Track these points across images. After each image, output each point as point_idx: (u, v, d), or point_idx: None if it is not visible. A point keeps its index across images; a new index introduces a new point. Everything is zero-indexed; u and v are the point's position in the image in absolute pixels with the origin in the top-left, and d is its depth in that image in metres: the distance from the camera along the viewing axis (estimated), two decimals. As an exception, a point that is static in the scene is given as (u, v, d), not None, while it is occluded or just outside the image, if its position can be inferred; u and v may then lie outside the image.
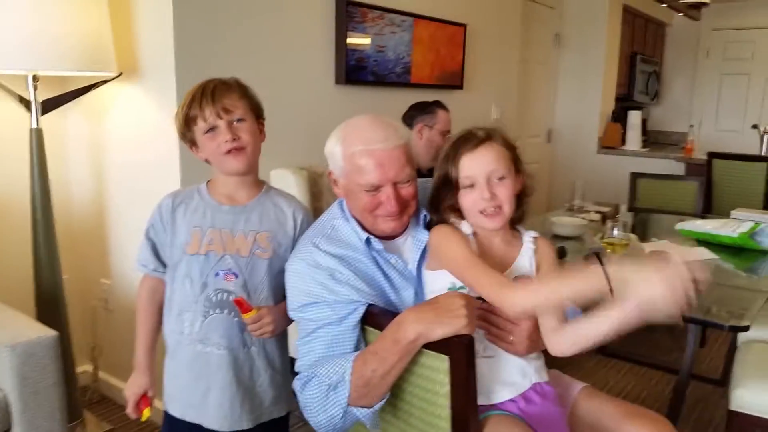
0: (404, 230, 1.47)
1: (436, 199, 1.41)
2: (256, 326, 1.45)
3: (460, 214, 1.39)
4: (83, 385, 2.68)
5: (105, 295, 2.68)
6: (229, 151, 1.44)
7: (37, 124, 2.22)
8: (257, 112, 1.52)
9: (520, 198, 1.40)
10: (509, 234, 1.43)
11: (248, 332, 1.47)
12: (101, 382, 2.75)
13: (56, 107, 2.33)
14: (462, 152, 1.34)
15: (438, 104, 2.80)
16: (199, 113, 1.42)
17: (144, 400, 1.58)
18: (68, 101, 2.37)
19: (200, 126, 1.44)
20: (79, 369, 2.64)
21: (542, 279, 1.32)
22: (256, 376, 1.52)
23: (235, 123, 1.44)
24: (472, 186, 1.34)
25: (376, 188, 1.37)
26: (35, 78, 2.19)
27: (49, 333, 1.83)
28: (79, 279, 2.72)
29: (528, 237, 1.43)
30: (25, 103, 2.22)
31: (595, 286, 1.14)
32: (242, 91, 1.48)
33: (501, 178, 1.33)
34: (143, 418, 1.57)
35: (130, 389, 1.58)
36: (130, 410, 1.58)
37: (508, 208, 1.34)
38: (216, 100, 1.42)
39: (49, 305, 2.29)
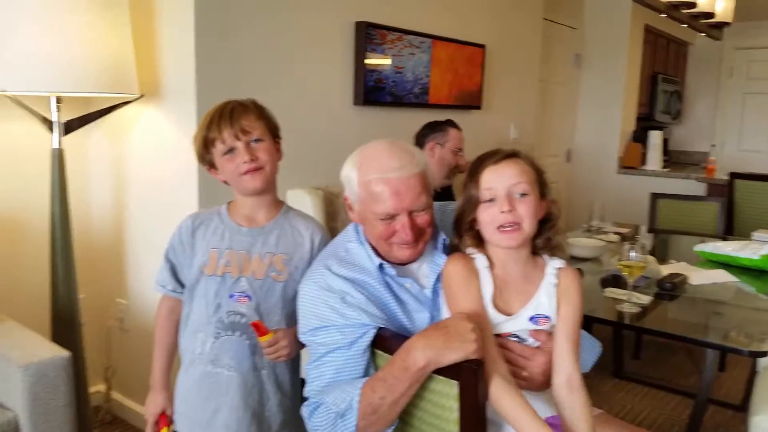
0: (419, 256, 1.47)
1: (459, 218, 1.38)
2: (272, 350, 1.45)
3: (479, 238, 1.37)
4: (95, 405, 2.68)
5: (121, 314, 2.70)
6: (247, 172, 1.45)
7: (59, 145, 2.26)
8: (274, 132, 1.53)
9: (544, 224, 1.36)
10: (531, 263, 1.38)
11: (259, 355, 1.48)
12: (114, 402, 2.76)
13: (78, 128, 2.37)
14: (485, 166, 1.31)
15: (449, 123, 2.82)
16: (218, 135, 1.44)
17: (162, 418, 1.59)
18: (90, 122, 2.41)
19: (219, 148, 1.46)
20: (92, 389, 2.65)
21: (512, 398, 1.22)
22: (266, 400, 1.52)
23: (252, 144, 1.46)
24: (492, 200, 1.30)
25: (391, 217, 1.37)
26: (58, 99, 2.24)
27: (63, 353, 1.84)
28: (96, 298, 2.74)
29: (551, 268, 1.37)
30: (48, 123, 2.26)
31: None
32: (259, 111, 1.50)
33: (523, 195, 1.29)
34: None
35: (149, 408, 1.60)
36: (149, 430, 1.60)
37: (527, 226, 1.30)
38: (234, 122, 1.44)
39: (64, 324, 2.31)
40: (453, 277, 1.34)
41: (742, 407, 2.93)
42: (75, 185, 2.44)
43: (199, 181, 2.29)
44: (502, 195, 1.29)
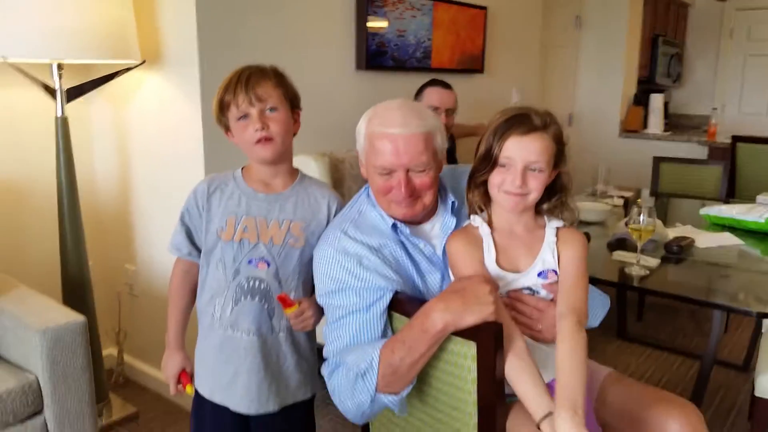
0: (424, 218, 1.47)
1: (474, 173, 1.37)
2: (299, 320, 1.47)
3: (487, 195, 1.37)
4: (108, 368, 2.72)
5: (130, 280, 2.71)
6: (258, 141, 1.44)
7: (63, 112, 2.24)
8: (293, 102, 1.51)
9: (552, 191, 1.37)
10: (533, 222, 1.40)
11: (277, 318, 1.49)
12: (126, 365, 2.80)
13: (80, 95, 2.35)
14: (511, 132, 1.29)
15: (430, 82, 2.74)
16: (233, 99, 1.43)
17: (183, 376, 1.61)
18: (92, 89, 2.39)
19: (233, 112, 1.45)
20: (105, 353, 2.68)
21: (524, 362, 1.23)
22: (283, 361, 1.53)
23: (267, 112, 1.44)
24: (506, 166, 1.31)
25: (389, 172, 1.37)
26: (60, 66, 2.21)
27: (78, 318, 1.87)
28: (105, 265, 2.75)
29: (551, 228, 1.39)
30: (50, 91, 2.24)
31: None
32: (278, 79, 1.48)
33: (536, 170, 1.30)
34: (189, 392, 1.60)
35: (168, 369, 1.60)
36: (172, 390, 1.61)
37: (533, 198, 1.32)
38: (249, 88, 1.42)
39: (75, 290, 2.33)
40: (454, 253, 1.36)
41: (744, 367, 2.98)
42: (80, 152, 2.43)
43: (204, 146, 2.28)
44: (518, 168, 1.29)
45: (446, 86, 2.73)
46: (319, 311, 1.48)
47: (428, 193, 1.42)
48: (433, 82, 2.74)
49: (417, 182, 1.39)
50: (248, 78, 1.43)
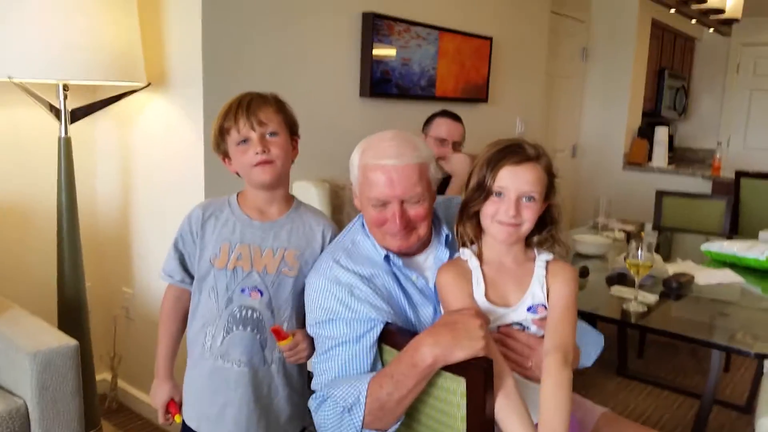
0: (419, 250, 1.46)
1: (466, 204, 1.37)
2: (292, 353, 1.45)
3: (479, 227, 1.37)
4: (101, 393, 2.69)
5: (127, 303, 2.70)
6: (258, 164, 1.44)
7: (66, 133, 2.25)
8: (292, 128, 1.52)
9: (542, 223, 1.37)
10: (523, 255, 1.38)
11: (269, 350, 1.48)
12: (120, 390, 2.77)
13: (85, 116, 2.36)
14: (505, 162, 1.30)
15: (441, 112, 2.76)
16: (234, 125, 1.43)
17: (172, 405, 1.59)
18: (97, 110, 2.40)
19: (233, 137, 1.45)
20: (98, 377, 2.65)
21: (512, 401, 1.21)
22: (274, 394, 1.51)
23: (267, 136, 1.44)
24: (500, 195, 1.30)
25: (383, 204, 1.37)
26: (65, 87, 2.22)
27: (70, 342, 1.85)
28: (102, 287, 2.74)
29: (540, 261, 1.37)
30: (55, 111, 2.25)
31: None
32: (278, 106, 1.49)
33: (530, 200, 1.30)
34: (177, 421, 1.58)
35: (157, 398, 1.59)
36: (161, 419, 1.60)
37: (526, 228, 1.32)
38: (251, 113, 1.42)
39: (71, 313, 2.31)
40: (444, 285, 1.35)
41: (747, 408, 2.93)
42: (82, 174, 2.44)
43: (205, 171, 2.29)
44: (512, 198, 1.29)
45: (456, 118, 2.74)
46: (313, 343, 1.47)
47: (423, 225, 1.41)
48: (443, 113, 2.75)
49: (412, 213, 1.38)
50: (249, 103, 1.44)
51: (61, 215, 2.27)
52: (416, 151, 1.38)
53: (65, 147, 2.26)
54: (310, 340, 1.45)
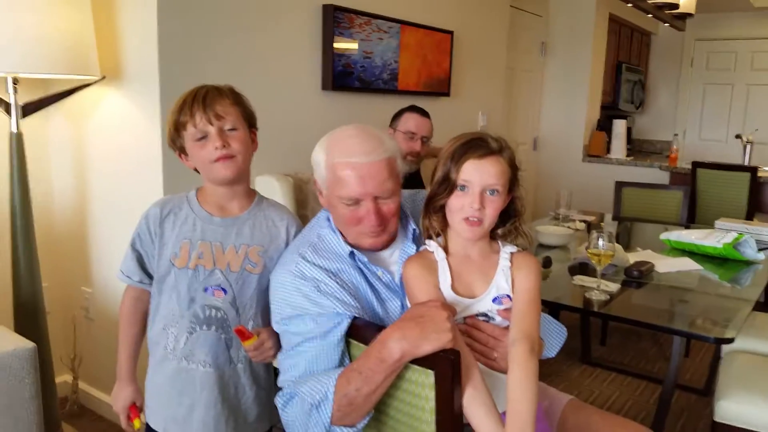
0: (387, 245, 1.45)
1: (431, 198, 1.36)
2: (258, 353, 1.42)
3: (445, 221, 1.37)
4: (62, 396, 2.62)
5: (86, 303, 2.63)
6: (218, 159, 1.39)
7: (17, 128, 2.18)
8: (250, 121, 1.47)
9: (506, 215, 1.37)
10: (488, 247, 1.39)
11: (235, 349, 1.45)
12: (81, 393, 2.70)
13: (37, 110, 2.29)
14: (468, 156, 1.29)
15: (410, 108, 2.77)
16: (190, 119, 1.38)
17: (133, 410, 1.55)
18: (49, 104, 2.34)
19: (190, 132, 1.39)
20: (58, 379, 2.58)
21: (478, 392, 1.21)
22: (242, 394, 1.49)
23: (226, 131, 1.40)
24: (464, 188, 1.30)
25: (356, 202, 1.35)
26: (15, 80, 2.15)
27: (27, 344, 1.79)
28: (60, 287, 2.67)
29: (504, 252, 1.38)
30: (5, 106, 2.18)
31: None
32: (235, 98, 1.44)
33: (493, 193, 1.31)
34: (136, 427, 1.54)
35: (119, 402, 1.54)
36: (124, 424, 1.55)
37: (488, 224, 1.32)
38: (207, 106, 1.38)
39: (28, 314, 2.24)
40: (410, 278, 1.35)
41: (705, 391, 3.00)
42: (35, 170, 2.37)
43: (163, 166, 2.24)
44: (476, 191, 1.29)
45: (424, 114, 2.76)
46: (279, 341, 1.44)
47: (393, 220, 1.41)
48: (412, 108, 2.77)
49: (384, 209, 1.37)
50: (205, 96, 1.39)
51: (15, 213, 2.20)
52: (383, 146, 1.37)
53: (17, 143, 2.19)
54: (276, 338, 1.42)
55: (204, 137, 1.39)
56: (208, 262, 1.43)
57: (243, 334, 1.38)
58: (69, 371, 2.69)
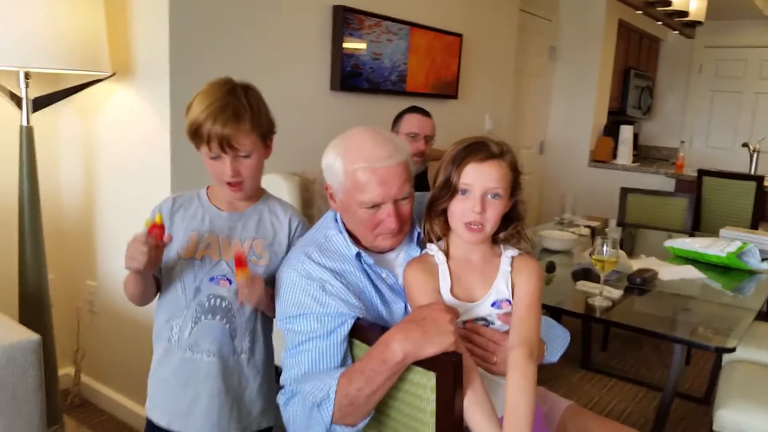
0: (398, 246, 1.46)
1: (433, 201, 1.37)
2: (248, 290, 1.38)
3: (447, 225, 1.38)
4: (64, 388, 2.64)
5: (91, 297, 2.65)
6: (228, 183, 1.44)
7: (28, 122, 2.20)
8: (267, 135, 1.49)
9: (509, 219, 1.38)
10: (489, 251, 1.40)
11: (239, 339, 1.47)
12: (83, 385, 2.72)
13: (47, 105, 2.31)
14: (469, 160, 1.31)
15: (411, 108, 2.77)
16: (203, 143, 1.40)
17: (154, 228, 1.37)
18: (60, 99, 2.35)
19: (204, 150, 1.42)
20: (61, 372, 2.60)
21: (477, 396, 1.22)
22: (245, 384, 1.51)
23: (240, 158, 1.42)
24: (466, 192, 1.31)
25: (376, 206, 1.36)
26: (27, 75, 2.17)
27: (32, 336, 1.79)
28: (65, 279, 2.69)
29: (506, 256, 1.39)
30: (16, 99, 2.20)
31: None
32: (254, 121, 1.42)
33: (495, 197, 1.32)
34: (158, 221, 1.38)
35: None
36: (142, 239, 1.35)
37: (489, 228, 1.33)
38: (224, 137, 1.37)
39: (33, 306, 2.26)
40: (410, 281, 1.36)
41: (705, 400, 3.00)
42: (45, 164, 2.39)
43: (171, 163, 2.25)
44: (477, 195, 1.31)
45: (426, 114, 2.76)
46: (263, 300, 1.41)
47: (409, 220, 1.43)
48: (413, 109, 2.76)
49: (403, 211, 1.39)
50: (225, 123, 1.37)
51: (23, 206, 2.22)
52: (399, 149, 1.39)
53: (27, 136, 2.20)
54: (263, 293, 1.40)
55: (218, 157, 1.42)
56: (214, 253, 1.47)
57: (241, 261, 1.36)
58: (71, 364, 2.71)
